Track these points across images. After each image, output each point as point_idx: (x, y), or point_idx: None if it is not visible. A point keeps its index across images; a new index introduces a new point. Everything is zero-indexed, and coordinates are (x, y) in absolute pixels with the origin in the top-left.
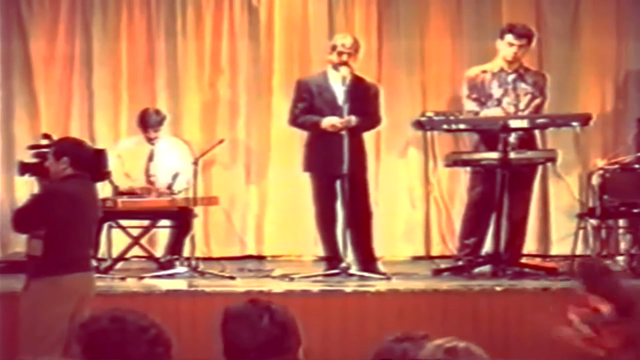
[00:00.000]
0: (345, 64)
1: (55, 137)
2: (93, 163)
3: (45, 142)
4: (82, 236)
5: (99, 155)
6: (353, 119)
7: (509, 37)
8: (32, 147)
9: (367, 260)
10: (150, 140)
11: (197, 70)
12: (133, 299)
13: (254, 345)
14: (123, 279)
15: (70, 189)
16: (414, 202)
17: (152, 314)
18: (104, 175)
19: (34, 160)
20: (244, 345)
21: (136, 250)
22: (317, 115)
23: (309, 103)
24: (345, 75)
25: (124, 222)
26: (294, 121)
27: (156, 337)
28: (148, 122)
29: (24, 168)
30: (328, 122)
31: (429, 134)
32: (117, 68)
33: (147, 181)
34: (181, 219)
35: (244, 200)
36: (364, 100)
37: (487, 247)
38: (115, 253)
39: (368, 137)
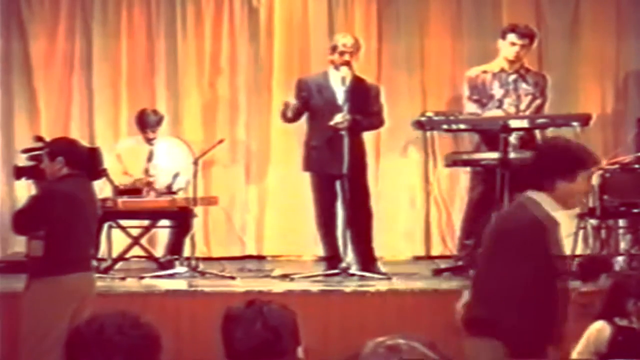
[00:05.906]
0: (346, 63)
1: (47, 139)
2: (88, 161)
3: (38, 144)
4: (82, 235)
5: (93, 154)
6: (348, 117)
7: (512, 37)
8: (26, 150)
9: (367, 260)
10: (149, 141)
11: (197, 70)
12: (133, 299)
13: (246, 348)
14: (123, 279)
15: (67, 188)
16: (414, 202)
17: (152, 314)
18: (100, 173)
19: (29, 163)
20: (238, 347)
21: (136, 250)
22: (315, 115)
23: (305, 102)
24: (345, 75)
25: (124, 222)
26: (284, 116)
27: (133, 345)
28: (146, 123)
29: (20, 172)
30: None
31: (429, 134)
32: (117, 68)
33: (146, 182)
34: (181, 219)
35: (244, 200)
36: (364, 100)
37: None
38: (115, 253)
39: (368, 137)
